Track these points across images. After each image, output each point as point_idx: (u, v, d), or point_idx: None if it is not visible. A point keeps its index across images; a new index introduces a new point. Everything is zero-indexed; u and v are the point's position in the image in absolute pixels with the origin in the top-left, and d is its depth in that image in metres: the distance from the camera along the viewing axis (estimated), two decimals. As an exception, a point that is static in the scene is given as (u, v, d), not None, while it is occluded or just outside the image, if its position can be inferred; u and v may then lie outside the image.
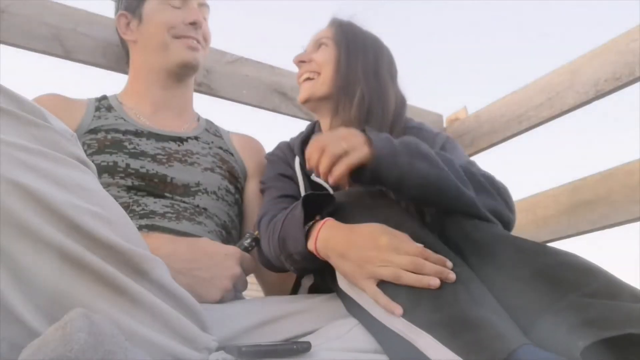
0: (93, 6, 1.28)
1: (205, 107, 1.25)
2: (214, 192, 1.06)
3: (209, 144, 1.14)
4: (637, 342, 0.55)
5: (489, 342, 0.58)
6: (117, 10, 1.17)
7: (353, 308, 0.76)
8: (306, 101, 1.09)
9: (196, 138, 1.13)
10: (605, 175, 1.26)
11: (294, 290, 1.03)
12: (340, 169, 0.77)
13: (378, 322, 0.69)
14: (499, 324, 0.61)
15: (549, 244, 1.37)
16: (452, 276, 0.68)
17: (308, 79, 1.08)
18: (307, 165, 0.82)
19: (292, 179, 1.06)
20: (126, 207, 0.96)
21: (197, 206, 1.02)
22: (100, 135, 1.02)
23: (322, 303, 0.83)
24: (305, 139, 1.11)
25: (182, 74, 1.14)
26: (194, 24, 1.10)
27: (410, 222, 0.79)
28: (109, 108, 1.09)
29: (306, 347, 0.66)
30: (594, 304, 0.60)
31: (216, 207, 1.06)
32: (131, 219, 0.92)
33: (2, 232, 0.45)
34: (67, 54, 1.23)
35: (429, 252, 0.71)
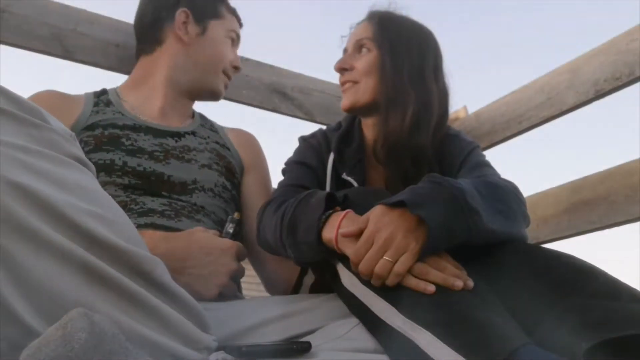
0: (93, 6, 1.28)
1: (205, 106, 1.25)
2: (211, 189, 1.06)
3: (205, 139, 1.13)
4: (638, 343, 0.55)
5: (490, 341, 0.58)
6: (174, 5, 1.14)
7: (354, 306, 0.76)
8: (349, 109, 1.06)
9: (193, 133, 1.12)
10: (605, 175, 1.26)
11: (296, 289, 1.03)
12: (403, 269, 0.69)
13: (379, 320, 0.69)
14: (500, 324, 0.61)
15: (549, 244, 1.37)
16: (460, 284, 0.68)
17: (350, 85, 1.05)
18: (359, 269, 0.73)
19: (315, 170, 1.04)
20: (124, 205, 0.95)
21: (195, 204, 1.02)
22: (97, 132, 1.01)
23: (323, 303, 0.82)
24: (343, 136, 1.09)
25: (202, 98, 1.18)
26: (236, 69, 1.20)
27: None
28: (108, 103, 1.08)
29: (306, 347, 0.66)
30: (594, 305, 0.60)
31: (213, 205, 1.05)
32: (129, 217, 0.92)
33: (1, 233, 0.45)
34: (67, 54, 1.23)
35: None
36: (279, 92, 1.49)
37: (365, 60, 1.04)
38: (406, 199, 0.71)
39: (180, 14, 1.12)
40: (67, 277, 0.48)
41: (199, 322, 0.59)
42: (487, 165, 1.01)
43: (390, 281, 0.69)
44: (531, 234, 1.39)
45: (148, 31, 1.15)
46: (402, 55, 1.02)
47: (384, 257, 0.69)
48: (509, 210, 0.80)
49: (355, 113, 1.09)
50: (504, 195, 0.82)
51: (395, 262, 0.69)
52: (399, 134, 0.99)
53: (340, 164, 1.05)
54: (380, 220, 0.72)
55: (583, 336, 0.57)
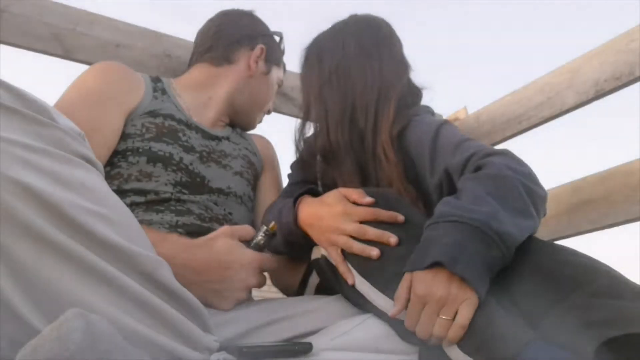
0: (93, 6, 1.28)
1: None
2: (240, 197, 1.08)
3: (237, 144, 1.17)
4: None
5: (496, 340, 0.58)
6: (255, 38, 1.23)
7: (361, 300, 0.77)
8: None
9: (227, 138, 1.16)
10: (605, 175, 1.26)
11: (301, 290, 1.03)
12: (457, 336, 0.63)
13: (386, 315, 0.71)
14: (506, 321, 0.61)
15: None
16: (393, 240, 0.72)
17: None
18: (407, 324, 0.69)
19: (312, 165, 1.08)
20: (166, 201, 0.96)
21: (225, 209, 1.04)
22: (158, 120, 1.02)
23: (327, 304, 0.83)
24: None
25: (238, 124, 1.23)
26: (268, 113, 1.33)
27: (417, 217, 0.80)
28: (163, 92, 1.10)
29: (307, 348, 0.66)
30: (597, 304, 0.60)
31: (240, 213, 1.08)
32: (167, 215, 0.95)
33: (2, 230, 0.45)
34: (67, 54, 1.23)
35: (380, 211, 0.76)
36: (279, 93, 1.48)
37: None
38: (442, 261, 0.65)
39: (258, 48, 1.22)
40: (68, 275, 0.48)
41: (201, 322, 0.59)
42: (465, 140, 0.89)
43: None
44: (531, 234, 1.39)
45: (223, 47, 1.20)
46: (312, 78, 1.07)
47: (441, 316, 0.64)
48: (527, 204, 0.74)
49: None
50: (512, 187, 0.75)
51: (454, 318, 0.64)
52: (321, 147, 1.02)
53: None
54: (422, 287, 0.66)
55: (585, 335, 0.57)
